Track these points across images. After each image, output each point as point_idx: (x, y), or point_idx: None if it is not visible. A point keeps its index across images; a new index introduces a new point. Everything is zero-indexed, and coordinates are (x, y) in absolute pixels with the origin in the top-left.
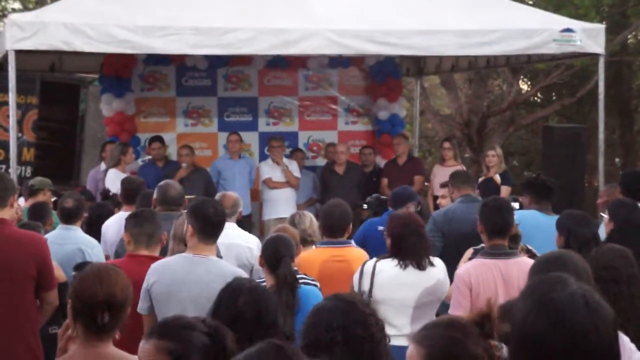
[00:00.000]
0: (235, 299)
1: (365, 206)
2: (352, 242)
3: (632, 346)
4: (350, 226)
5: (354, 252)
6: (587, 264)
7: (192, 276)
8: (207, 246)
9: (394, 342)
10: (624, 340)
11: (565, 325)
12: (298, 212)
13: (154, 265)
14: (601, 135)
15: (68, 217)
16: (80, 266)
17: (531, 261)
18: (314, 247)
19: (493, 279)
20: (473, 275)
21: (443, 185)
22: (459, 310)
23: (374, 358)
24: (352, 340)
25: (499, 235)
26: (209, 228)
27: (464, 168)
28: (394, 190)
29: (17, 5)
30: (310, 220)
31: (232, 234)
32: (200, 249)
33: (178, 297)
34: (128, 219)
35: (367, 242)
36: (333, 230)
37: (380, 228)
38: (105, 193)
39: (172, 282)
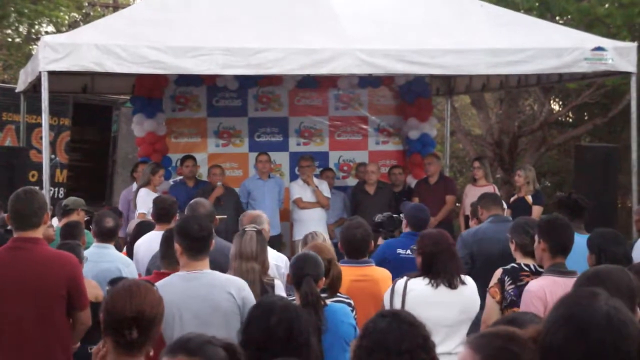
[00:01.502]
0: (266, 317)
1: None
2: (373, 261)
3: None
4: (372, 244)
5: (378, 271)
6: (637, 281)
7: (189, 292)
8: (198, 262)
9: None
10: None
11: (584, 340)
12: (311, 232)
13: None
14: (634, 155)
15: (107, 236)
16: (114, 281)
17: None
18: None
19: None
20: (548, 293)
21: None
22: None
23: None
24: None
25: (563, 253)
26: (194, 244)
27: (496, 188)
28: (413, 214)
29: (50, 29)
30: (322, 239)
31: None
32: (192, 266)
33: (180, 315)
34: None
35: (385, 264)
36: (356, 253)
37: (400, 251)
38: None
39: (171, 302)
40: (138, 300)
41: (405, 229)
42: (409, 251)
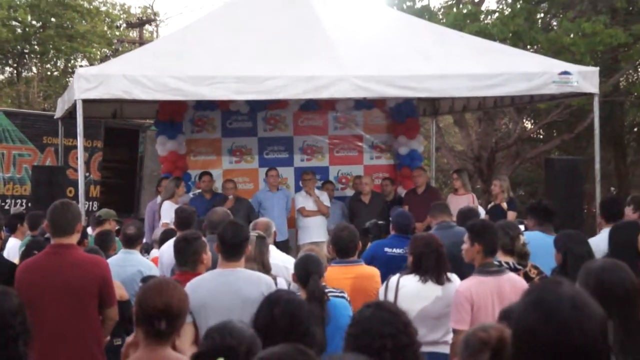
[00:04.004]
0: (271, 308)
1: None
2: (362, 261)
3: None
4: (360, 244)
5: (366, 269)
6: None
7: (222, 287)
8: (232, 263)
9: None
10: None
11: (552, 322)
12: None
13: (190, 282)
14: (597, 166)
15: (130, 242)
16: (146, 279)
17: (518, 277)
18: None
19: (490, 294)
20: (474, 293)
21: None
22: (463, 325)
23: None
24: (399, 347)
25: (493, 253)
26: (226, 248)
27: (475, 196)
28: (397, 220)
29: (84, 63)
30: (325, 249)
31: (270, 255)
32: (225, 265)
33: (213, 306)
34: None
35: (374, 261)
36: (344, 252)
37: (387, 249)
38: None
39: (206, 295)
40: (167, 295)
41: (392, 231)
42: (395, 250)
